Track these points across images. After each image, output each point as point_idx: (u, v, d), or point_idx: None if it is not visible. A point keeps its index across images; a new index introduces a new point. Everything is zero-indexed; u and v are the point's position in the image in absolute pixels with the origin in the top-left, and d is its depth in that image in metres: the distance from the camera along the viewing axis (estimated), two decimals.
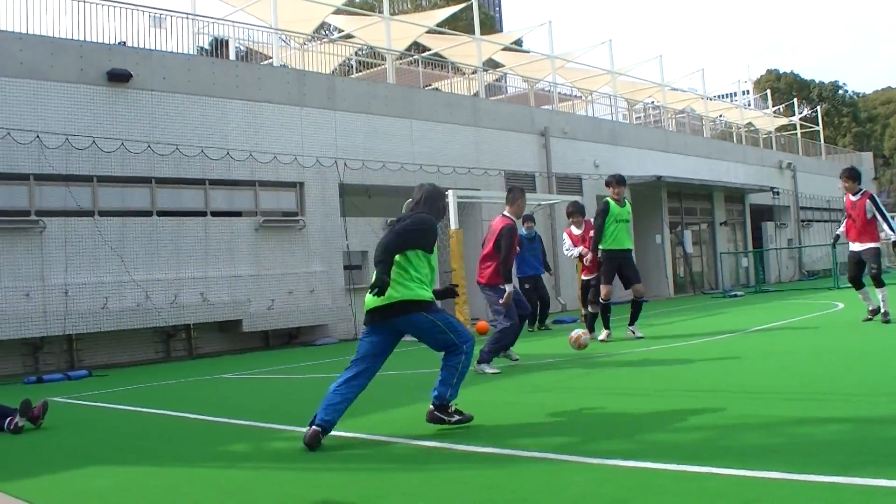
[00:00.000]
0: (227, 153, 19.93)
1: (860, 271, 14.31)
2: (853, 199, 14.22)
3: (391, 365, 13.93)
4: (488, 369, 11.43)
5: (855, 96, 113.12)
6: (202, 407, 10.18)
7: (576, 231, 16.44)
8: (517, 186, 12.77)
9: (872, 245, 14.18)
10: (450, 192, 18.94)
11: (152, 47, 19.98)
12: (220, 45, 24.98)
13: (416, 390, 10.43)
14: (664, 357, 12.13)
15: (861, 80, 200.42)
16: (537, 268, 19.32)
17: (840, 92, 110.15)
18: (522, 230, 18.81)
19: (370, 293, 6.86)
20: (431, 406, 7.26)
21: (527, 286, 18.93)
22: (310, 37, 27.68)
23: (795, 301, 17.28)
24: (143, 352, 18.76)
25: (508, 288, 11.64)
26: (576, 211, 16.60)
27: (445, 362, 7.24)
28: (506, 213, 11.96)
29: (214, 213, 19.92)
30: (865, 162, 62.45)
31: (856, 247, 14.21)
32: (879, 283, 14.05)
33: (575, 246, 16.72)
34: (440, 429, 7.13)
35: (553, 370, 11.40)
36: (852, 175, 14.39)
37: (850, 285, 14.92)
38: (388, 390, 10.87)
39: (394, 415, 8.48)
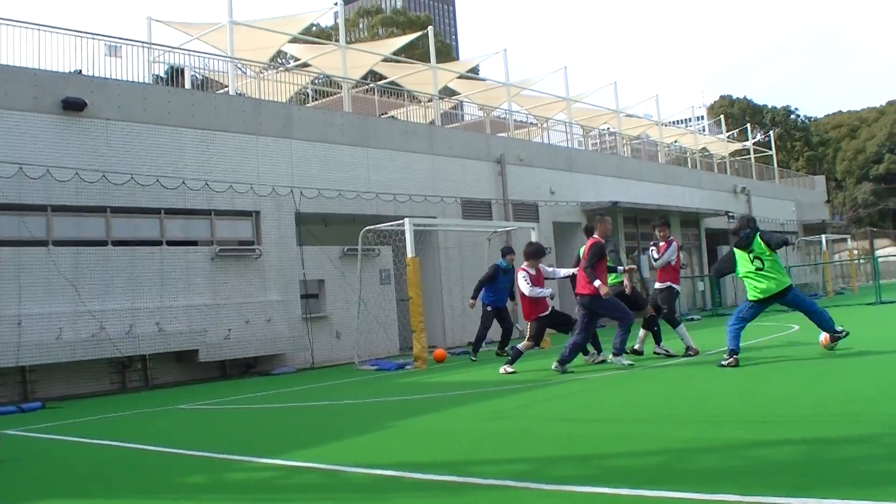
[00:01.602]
0: (183, 182, 19.83)
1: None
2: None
3: (349, 393, 13.94)
4: (625, 360, 14.06)
5: (807, 121, 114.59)
6: (159, 438, 10.11)
7: (531, 271, 16.12)
8: (600, 214, 15.22)
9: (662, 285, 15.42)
10: (406, 221, 18.96)
11: (108, 76, 19.88)
12: (175, 74, 24.90)
13: (371, 419, 10.45)
14: (621, 382, 12.23)
15: (813, 105, 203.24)
16: (505, 299, 19.51)
17: (792, 116, 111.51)
18: (503, 262, 19.12)
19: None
20: None
21: (489, 309, 19.16)
22: (266, 65, 27.69)
23: (751, 324, 17.47)
24: (98, 383, 18.54)
25: (603, 289, 13.50)
26: (533, 254, 16.20)
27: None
28: (596, 235, 14.17)
29: (170, 243, 19.75)
30: (818, 185, 63.16)
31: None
32: (674, 324, 15.31)
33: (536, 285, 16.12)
34: (397, 457, 7.15)
35: (511, 396, 11.44)
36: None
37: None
38: (345, 419, 10.87)
39: (350, 444, 8.45)
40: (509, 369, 14.74)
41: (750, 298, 12.95)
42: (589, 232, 15.04)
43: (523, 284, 15.31)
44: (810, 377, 10.77)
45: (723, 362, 12.46)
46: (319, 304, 22.16)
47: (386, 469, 6.69)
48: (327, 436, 8.87)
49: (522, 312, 16.08)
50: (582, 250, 14.47)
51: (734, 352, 12.53)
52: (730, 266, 13.43)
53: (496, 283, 19.09)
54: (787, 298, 12.93)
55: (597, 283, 13.46)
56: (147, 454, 8.95)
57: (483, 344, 19.63)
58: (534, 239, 20.42)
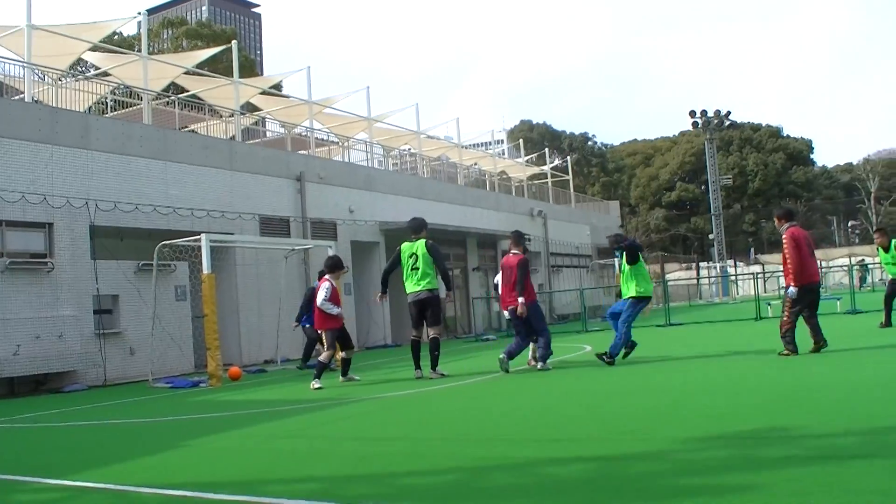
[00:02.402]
0: None
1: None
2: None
3: (141, 412, 13.79)
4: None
5: (604, 147, 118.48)
6: None
7: (334, 283, 16.32)
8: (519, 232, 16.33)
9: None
10: (203, 237, 18.86)
11: None
12: None
13: (163, 438, 10.39)
14: (417, 401, 12.47)
15: (610, 133, 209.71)
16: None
17: (590, 143, 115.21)
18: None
19: None
20: None
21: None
22: (65, 73, 27.03)
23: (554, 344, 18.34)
24: None
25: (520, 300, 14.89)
26: (334, 266, 16.59)
27: None
28: (516, 251, 15.43)
29: None
30: (613, 210, 65.38)
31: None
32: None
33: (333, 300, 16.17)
34: (189, 477, 7.18)
35: (307, 415, 11.55)
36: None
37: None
38: (136, 438, 10.77)
39: (140, 463, 8.38)
40: (317, 385, 14.90)
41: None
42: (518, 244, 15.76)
43: (321, 294, 15.61)
44: (602, 396, 11.26)
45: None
46: (113, 320, 21.75)
47: (177, 489, 6.68)
48: (117, 455, 8.79)
49: (314, 321, 16.30)
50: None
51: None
52: None
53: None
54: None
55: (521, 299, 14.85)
56: None
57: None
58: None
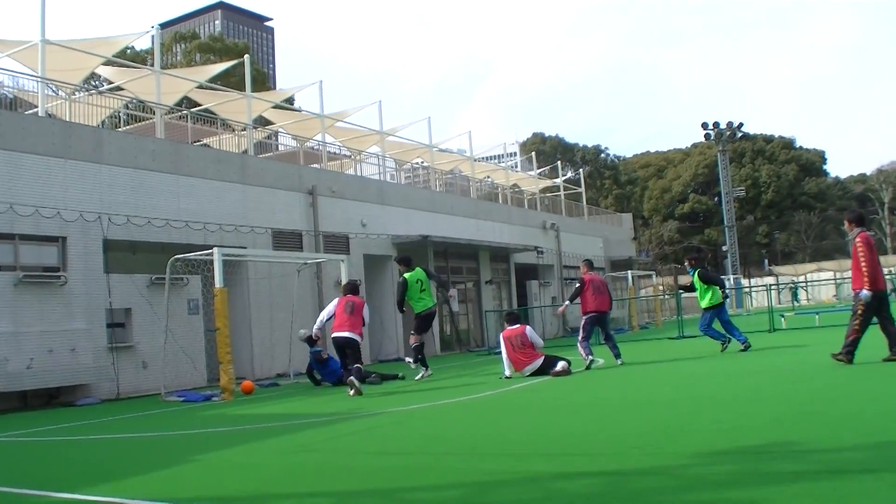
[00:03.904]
0: None
1: None
2: None
3: (153, 426, 13.82)
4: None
5: (616, 160, 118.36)
6: None
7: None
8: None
9: None
10: (215, 250, 18.88)
11: None
12: None
13: (174, 452, 10.41)
14: (430, 415, 12.50)
15: (622, 145, 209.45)
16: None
17: (602, 155, 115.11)
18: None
19: None
20: None
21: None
22: (78, 87, 27.15)
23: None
24: None
25: None
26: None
27: None
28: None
29: None
30: (626, 222, 65.20)
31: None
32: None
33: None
34: (199, 491, 7.20)
35: (319, 429, 11.58)
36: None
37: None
38: (147, 452, 10.80)
39: (151, 477, 8.41)
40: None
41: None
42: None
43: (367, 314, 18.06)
44: (611, 410, 11.28)
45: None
46: (126, 334, 21.79)
47: (187, 503, 6.73)
48: (128, 469, 8.83)
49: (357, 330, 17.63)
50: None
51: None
52: None
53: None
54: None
55: None
56: None
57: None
58: (343, 271, 21.35)
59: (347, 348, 17.31)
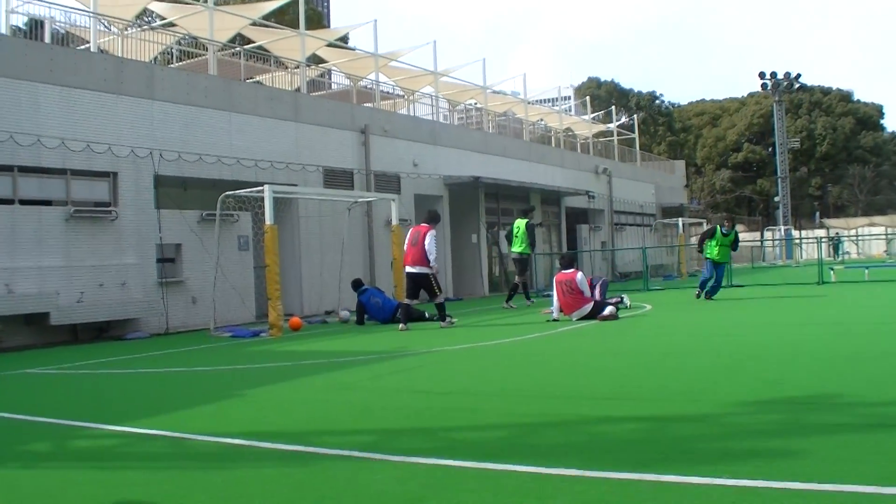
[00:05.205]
0: (38, 140, 19.36)
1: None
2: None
3: (201, 361, 13.95)
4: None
5: (671, 107, 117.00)
6: (3, 404, 9.97)
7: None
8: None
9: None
10: (266, 187, 18.91)
11: None
12: (35, 26, 24.29)
13: (222, 387, 10.50)
14: (473, 356, 12.51)
15: (677, 92, 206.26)
16: None
17: (657, 102, 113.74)
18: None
19: None
20: None
21: None
22: (130, 23, 27.17)
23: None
24: None
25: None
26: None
27: None
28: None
29: (23, 202, 19.23)
30: (678, 170, 64.70)
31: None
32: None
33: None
34: (245, 426, 7.26)
35: (363, 367, 11.64)
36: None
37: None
38: (195, 387, 10.90)
39: (199, 412, 8.50)
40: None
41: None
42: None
43: (432, 243, 17.62)
44: (658, 356, 11.25)
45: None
46: (176, 269, 21.94)
47: (233, 438, 6.78)
48: (176, 403, 8.91)
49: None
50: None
51: None
52: None
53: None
54: None
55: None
56: None
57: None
58: (394, 210, 21.39)
59: (415, 282, 17.49)
